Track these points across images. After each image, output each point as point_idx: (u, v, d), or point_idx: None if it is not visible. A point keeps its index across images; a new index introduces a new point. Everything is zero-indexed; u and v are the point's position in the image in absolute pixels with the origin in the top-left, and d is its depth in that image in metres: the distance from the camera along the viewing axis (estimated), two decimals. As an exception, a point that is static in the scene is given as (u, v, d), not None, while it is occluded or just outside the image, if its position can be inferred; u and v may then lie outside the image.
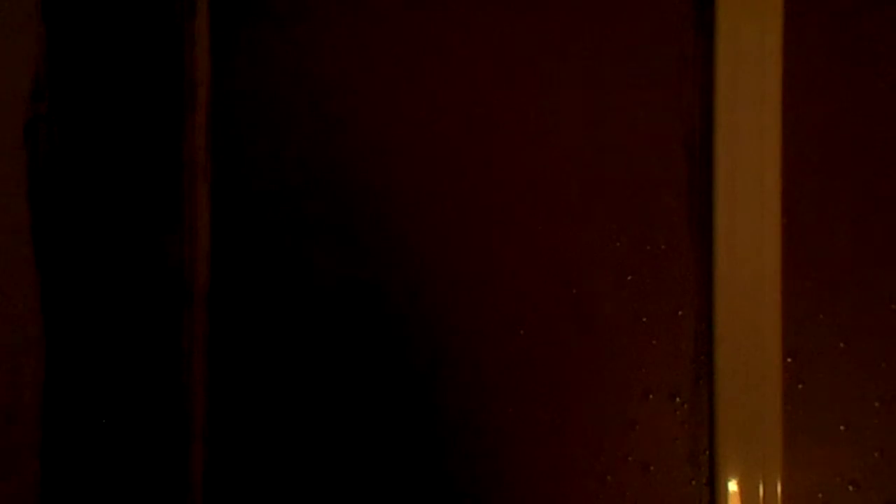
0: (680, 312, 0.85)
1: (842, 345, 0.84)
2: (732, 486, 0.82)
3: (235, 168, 0.87)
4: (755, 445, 0.82)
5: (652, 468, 0.84)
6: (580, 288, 0.85)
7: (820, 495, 0.83)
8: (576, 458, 0.84)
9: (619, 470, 0.84)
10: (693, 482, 0.84)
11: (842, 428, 0.83)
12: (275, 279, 0.86)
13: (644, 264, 0.85)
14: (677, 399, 0.84)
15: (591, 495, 0.84)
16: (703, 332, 0.84)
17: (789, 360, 0.84)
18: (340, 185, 0.86)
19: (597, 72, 0.86)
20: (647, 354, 0.85)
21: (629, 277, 0.85)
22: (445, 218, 0.86)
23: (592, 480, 0.84)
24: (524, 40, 0.86)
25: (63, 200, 0.85)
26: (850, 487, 0.83)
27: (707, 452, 0.84)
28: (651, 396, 0.84)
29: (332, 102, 0.87)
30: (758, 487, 0.82)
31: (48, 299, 0.85)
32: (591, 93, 0.86)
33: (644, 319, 0.85)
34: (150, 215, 0.86)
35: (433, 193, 0.86)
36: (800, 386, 0.84)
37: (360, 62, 0.87)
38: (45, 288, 0.84)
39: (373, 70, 0.87)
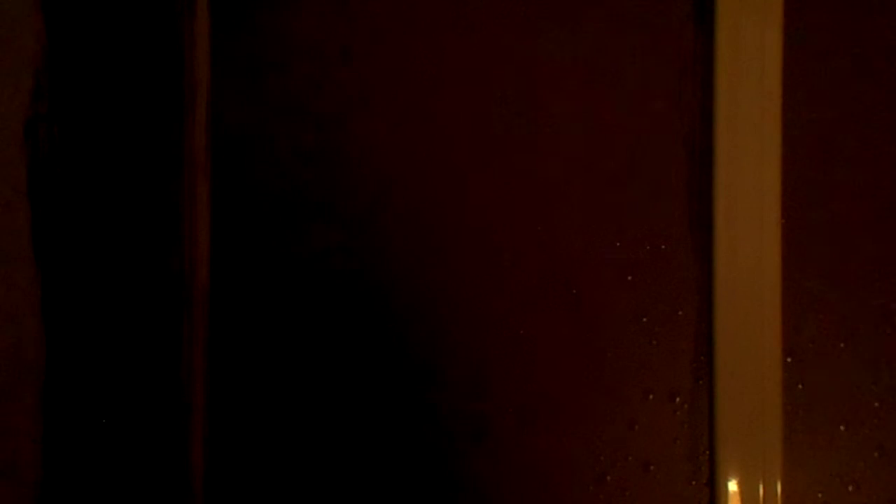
0: (680, 312, 0.85)
1: (842, 345, 0.84)
2: (732, 486, 0.82)
3: (235, 168, 0.87)
4: (755, 445, 0.82)
5: (652, 468, 0.84)
6: (580, 288, 0.85)
7: (820, 495, 0.83)
8: (576, 458, 0.84)
9: (619, 470, 0.84)
10: (693, 482, 0.84)
11: (842, 428, 0.83)
12: (274, 278, 0.86)
13: (644, 264, 0.85)
14: (677, 399, 0.84)
15: (591, 495, 0.84)
16: (703, 332, 0.84)
17: (789, 360, 0.84)
18: (340, 184, 0.86)
19: (597, 72, 0.86)
20: (647, 354, 0.85)
21: (629, 277, 0.85)
22: (445, 217, 0.86)
23: (592, 480, 0.84)
24: (524, 40, 0.86)
25: (63, 200, 0.85)
26: (850, 487, 0.83)
27: (707, 452, 0.84)
28: (651, 396, 0.84)
29: (331, 102, 0.87)
30: (758, 487, 0.82)
31: (48, 298, 0.84)
32: (591, 93, 0.86)
33: (644, 319, 0.85)
34: (150, 215, 0.86)
35: (433, 193, 0.86)
36: (800, 386, 0.84)
37: (359, 62, 0.87)
38: (46, 287, 0.84)
39: (372, 69, 0.87)
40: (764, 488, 0.82)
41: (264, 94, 0.87)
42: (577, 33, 0.86)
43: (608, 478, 0.84)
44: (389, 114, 0.87)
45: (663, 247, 0.85)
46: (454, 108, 0.86)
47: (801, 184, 0.84)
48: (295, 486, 0.85)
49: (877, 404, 0.83)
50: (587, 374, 0.85)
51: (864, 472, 0.83)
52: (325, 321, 0.86)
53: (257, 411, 0.86)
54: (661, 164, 0.85)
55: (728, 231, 0.83)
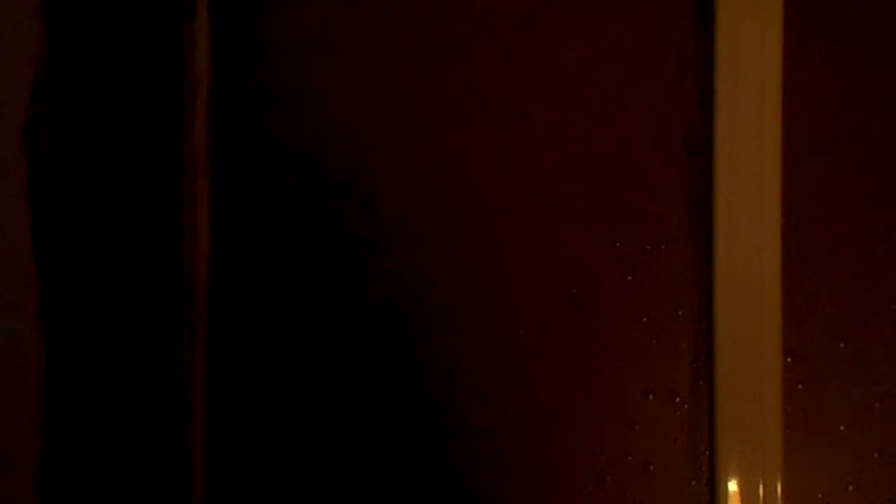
0: (680, 312, 0.85)
1: (842, 345, 0.84)
2: (732, 486, 0.82)
3: (235, 168, 0.87)
4: (755, 445, 0.82)
5: (652, 468, 0.84)
6: (580, 288, 0.85)
7: (820, 495, 0.83)
8: (576, 458, 0.84)
9: (619, 470, 0.84)
10: (693, 482, 0.84)
11: (842, 428, 0.83)
12: (274, 277, 0.86)
13: (644, 264, 0.85)
14: (677, 399, 0.84)
15: (591, 495, 0.84)
16: (703, 332, 0.84)
17: (789, 360, 0.84)
18: (340, 184, 0.86)
19: (597, 72, 0.86)
20: (647, 354, 0.85)
21: (629, 277, 0.85)
22: (446, 218, 0.86)
23: (592, 480, 0.84)
24: (524, 40, 0.86)
25: (63, 200, 0.85)
26: (850, 487, 0.83)
27: (707, 452, 0.84)
28: (651, 396, 0.84)
29: (331, 102, 0.87)
30: (758, 487, 0.82)
31: (48, 299, 0.84)
32: (591, 93, 0.86)
33: (644, 319, 0.85)
34: (150, 215, 0.86)
35: (434, 194, 0.86)
36: (800, 386, 0.84)
37: (360, 62, 0.87)
38: (45, 287, 0.84)
39: (373, 70, 0.87)
40: (764, 488, 0.82)
41: (265, 94, 0.87)
42: (576, 33, 0.86)
43: (608, 478, 0.84)
44: (389, 114, 0.87)
45: (663, 247, 0.85)
46: (454, 108, 0.86)
47: (801, 184, 0.84)
48: (295, 486, 0.86)
49: (877, 404, 0.83)
50: (587, 374, 0.85)
51: (864, 472, 0.83)
52: (325, 321, 0.86)
53: (257, 412, 0.86)
54: (661, 164, 0.85)
55: (728, 231, 0.83)
